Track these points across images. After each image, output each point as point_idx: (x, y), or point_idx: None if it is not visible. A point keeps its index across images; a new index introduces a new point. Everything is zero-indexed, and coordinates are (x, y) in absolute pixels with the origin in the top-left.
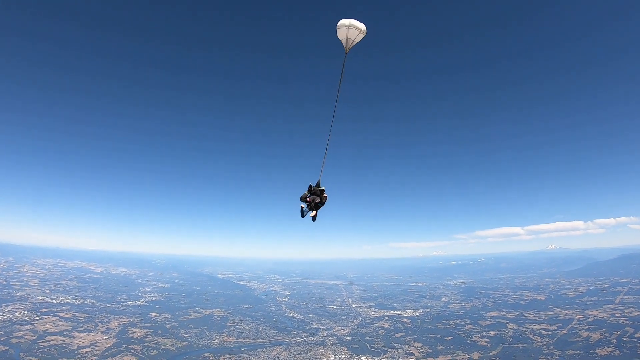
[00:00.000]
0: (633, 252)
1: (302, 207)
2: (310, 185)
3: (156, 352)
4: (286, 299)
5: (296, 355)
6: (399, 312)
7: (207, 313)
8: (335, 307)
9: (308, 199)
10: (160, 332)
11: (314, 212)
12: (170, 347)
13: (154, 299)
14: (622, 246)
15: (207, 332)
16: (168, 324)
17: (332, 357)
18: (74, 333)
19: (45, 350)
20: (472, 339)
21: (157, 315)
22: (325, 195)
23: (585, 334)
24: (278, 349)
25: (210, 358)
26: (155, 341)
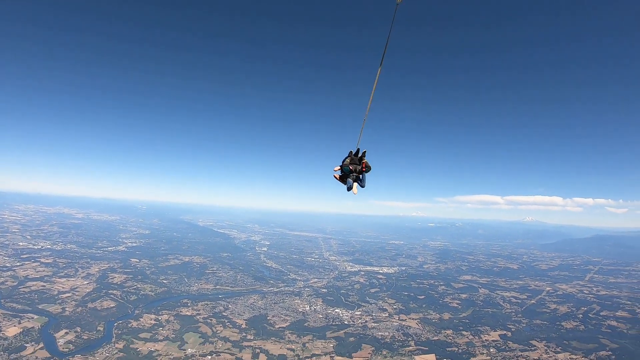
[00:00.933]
0: (607, 234)
1: (346, 178)
2: (350, 152)
3: (135, 298)
4: (265, 249)
5: (272, 305)
6: (375, 269)
7: (187, 260)
8: (313, 259)
9: (350, 167)
10: (139, 277)
11: (354, 185)
12: (150, 293)
13: (134, 244)
14: (598, 227)
15: (185, 279)
16: (148, 269)
17: (308, 308)
18: (54, 278)
19: (26, 295)
20: (444, 300)
21: (137, 261)
22: (365, 161)
23: (553, 306)
24: (255, 298)
25: (188, 304)
26: (135, 286)
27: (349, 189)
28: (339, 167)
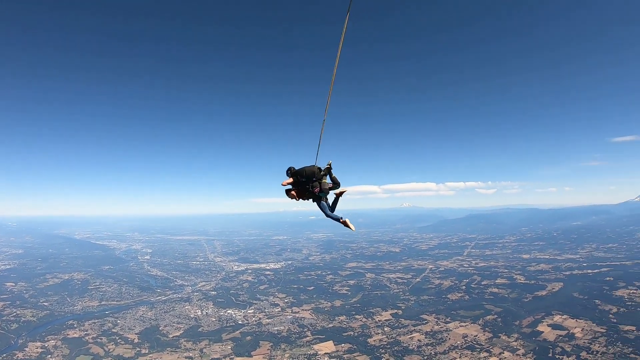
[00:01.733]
0: (479, 213)
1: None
2: (290, 170)
3: (16, 326)
4: (148, 257)
5: (163, 314)
6: (262, 265)
7: (67, 277)
8: (198, 262)
9: (293, 193)
10: (18, 302)
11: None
12: (31, 318)
13: (7, 267)
14: (470, 207)
15: (68, 298)
16: (26, 293)
17: (199, 313)
18: None
19: None
20: (334, 288)
21: (13, 284)
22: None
23: (437, 282)
24: (144, 309)
25: (75, 325)
26: (14, 313)
27: (338, 220)
28: (293, 192)
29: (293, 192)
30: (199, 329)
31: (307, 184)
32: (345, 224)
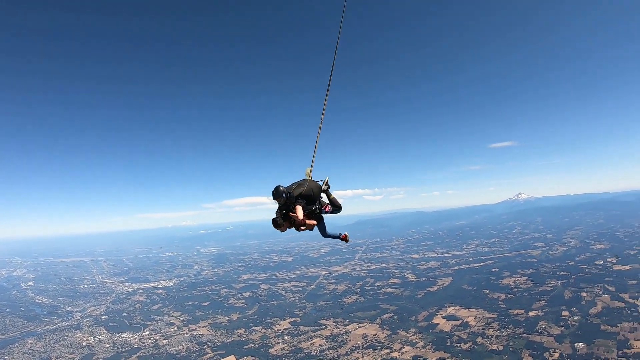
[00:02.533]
0: (367, 219)
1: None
2: (279, 191)
3: None
4: (31, 283)
5: (53, 345)
6: (153, 284)
7: None
8: (86, 285)
9: (286, 225)
10: None
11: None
12: None
13: None
14: (359, 213)
15: None
16: None
17: (92, 340)
18: None
19: None
20: (229, 302)
21: None
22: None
23: (332, 287)
24: (32, 341)
25: None
26: None
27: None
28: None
29: (286, 224)
30: (93, 358)
31: (313, 203)
32: (345, 238)
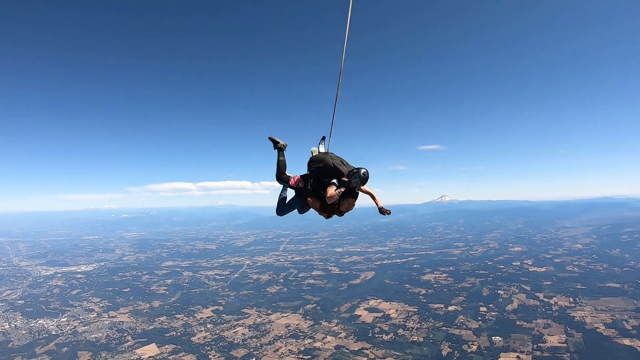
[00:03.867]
0: (293, 212)
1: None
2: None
3: None
4: None
5: None
6: (73, 268)
7: None
8: (1, 267)
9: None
10: None
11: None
12: None
13: None
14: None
15: None
16: None
17: (7, 326)
18: None
19: None
20: (151, 289)
21: None
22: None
23: (255, 276)
24: None
25: None
26: None
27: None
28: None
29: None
30: (9, 345)
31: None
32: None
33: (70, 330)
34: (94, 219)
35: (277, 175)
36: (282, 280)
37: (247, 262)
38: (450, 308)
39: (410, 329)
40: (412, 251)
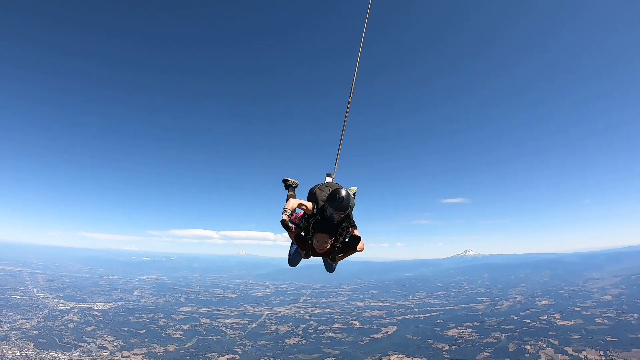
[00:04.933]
0: (315, 263)
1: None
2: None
3: None
4: None
5: None
6: (90, 305)
7: None
8: (18, 297)
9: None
10: None
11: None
12: None
13: None
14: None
15: None
16: None
17: (18, 354)
18: None
19: None
20: (167, 332)
21: None
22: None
23: (274, 327)
24: None
25: None
26: None
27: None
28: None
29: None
30: None
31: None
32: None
33: None
34: (114, 259)
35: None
36: (301, 332)
37: (267, 312)
38: None
39: None
40: (435, 306)
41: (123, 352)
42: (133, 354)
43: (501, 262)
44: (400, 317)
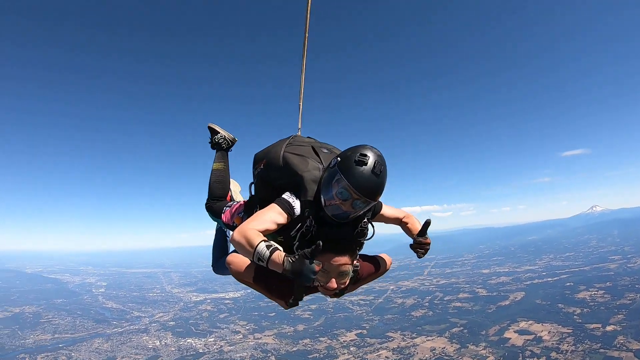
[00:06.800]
0: (437, 235)
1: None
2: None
3: None
4: (103, 290)
5: (119, 346)
6: (221, 295)
7: (17, 311)
8: (155, 294)
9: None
10: None
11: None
12: None
13: None
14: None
15: (19, 332)
16: None
17: (158, 343)
18: None
19: None
20: (296, 313)
21: None
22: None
23: (400, 301)
24: (99, 341)
25: (26, 359)
26: None
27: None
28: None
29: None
30: (158, 359)
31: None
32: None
33: (217, 349)
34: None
35: (208, 197)
36: (427, 304)
37: (392, 287)
38: (609, 328)
39: (564, 351)
40: (564, 268)
41: (255, 334)
42: (264, 335)
43: (632, 215)
44: (528, 282)
